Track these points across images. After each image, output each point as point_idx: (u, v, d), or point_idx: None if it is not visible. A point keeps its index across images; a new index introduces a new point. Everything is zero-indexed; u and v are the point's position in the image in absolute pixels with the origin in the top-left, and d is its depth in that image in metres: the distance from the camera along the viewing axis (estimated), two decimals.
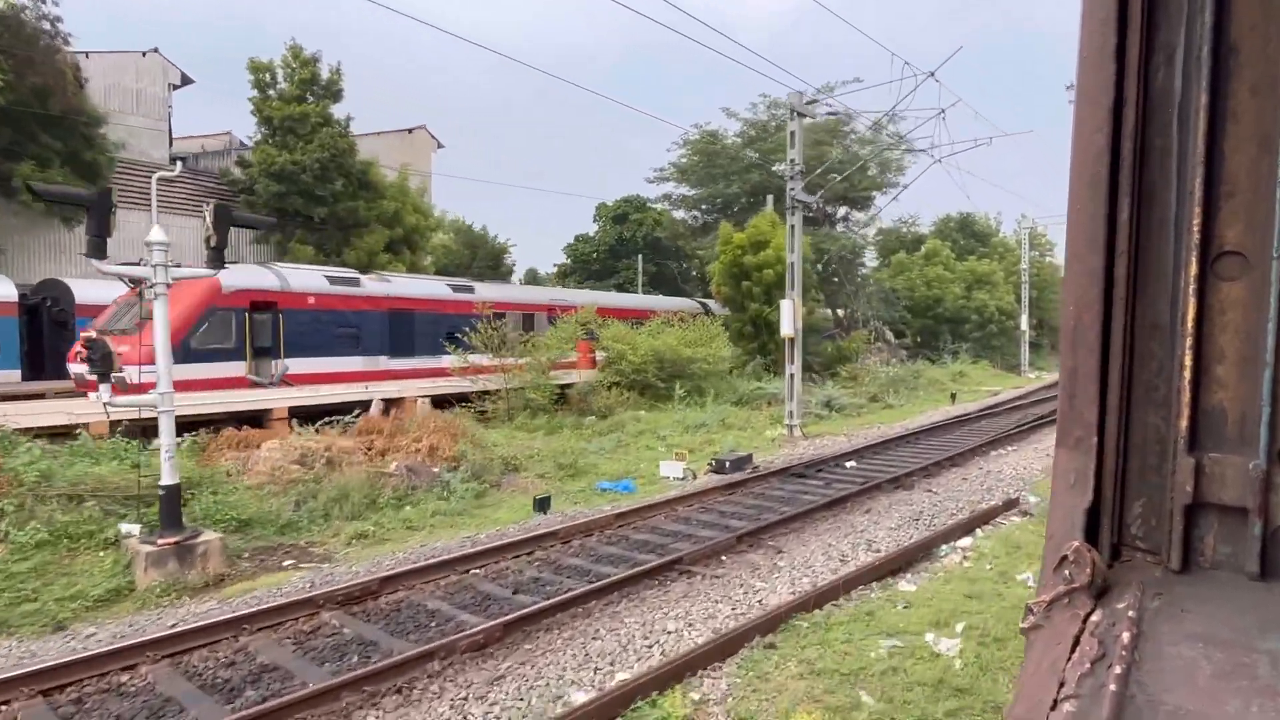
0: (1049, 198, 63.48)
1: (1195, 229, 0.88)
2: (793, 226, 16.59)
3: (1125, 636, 0.79)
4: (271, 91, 27.50)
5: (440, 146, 37.57)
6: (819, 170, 32.86)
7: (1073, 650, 0.81)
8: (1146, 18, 0.91)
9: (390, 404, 16.44)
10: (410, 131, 36.30)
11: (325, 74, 27.98)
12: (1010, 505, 10.31)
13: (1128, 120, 0.92)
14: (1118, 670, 0.74)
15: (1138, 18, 0.91)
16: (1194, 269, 0.88)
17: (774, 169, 32.41)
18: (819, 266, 30.92)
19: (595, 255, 48.81)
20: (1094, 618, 0.85)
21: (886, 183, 35.87)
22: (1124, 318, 0.94)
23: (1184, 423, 0.90)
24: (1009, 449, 15.38)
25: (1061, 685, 0.76)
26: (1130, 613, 0.84)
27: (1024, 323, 41.24)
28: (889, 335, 34.70)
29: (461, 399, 16.46)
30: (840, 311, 36.31)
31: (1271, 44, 0.85)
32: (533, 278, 49.48)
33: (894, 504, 10.39)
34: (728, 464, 12.50)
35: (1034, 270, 51.95)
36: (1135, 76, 0.91)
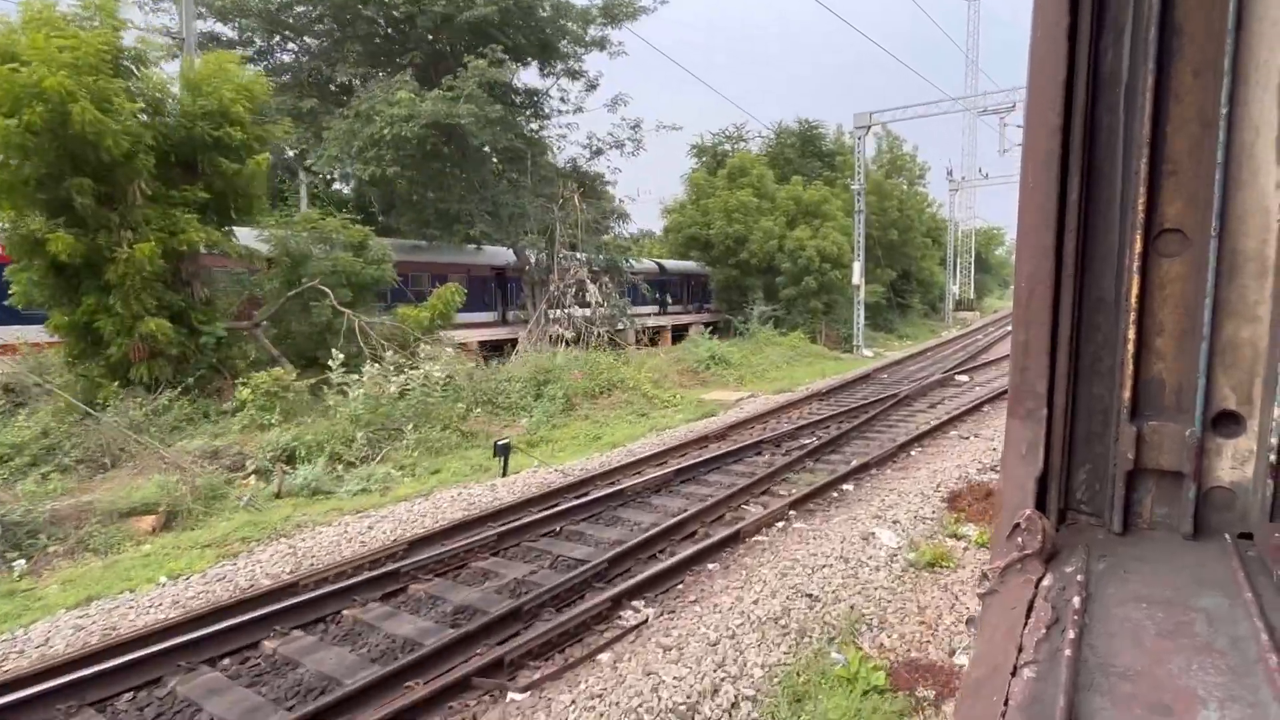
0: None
1: (1140, 207, 0.91)
2: None
3: (1075, 601, 0.82)
4: None
5: None
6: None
7: (1028, 615, 0.83)
8: None
9: None
10: None
11: None
12: None
13: (1078, 99, 0.94)
14: (1071, 635, 0.76)
15: None
16: (1139, 246, 0.91)
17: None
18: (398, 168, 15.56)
19: None
20: (1045, 582, 0.88)
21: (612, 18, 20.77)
22: (1072, 293, 0.97)
23: (1126, 393, 0.94)
24: None
25: (1020, 651, 0.78)
26: (1079, 576, 0.87)
27: (857, 273, 27.14)
28: (594, 293, 19.79)
29: None
30: (534, 255, 21.21)
31: (1214, 26, 0.87)
32: None
33: None
34: None
35: (894, 203, 38.16)
36: (1086, 55, 0.93)
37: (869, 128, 27.06)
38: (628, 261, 21.78)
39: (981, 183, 46.49)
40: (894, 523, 7.21)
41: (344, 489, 8.88)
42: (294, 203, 21.30)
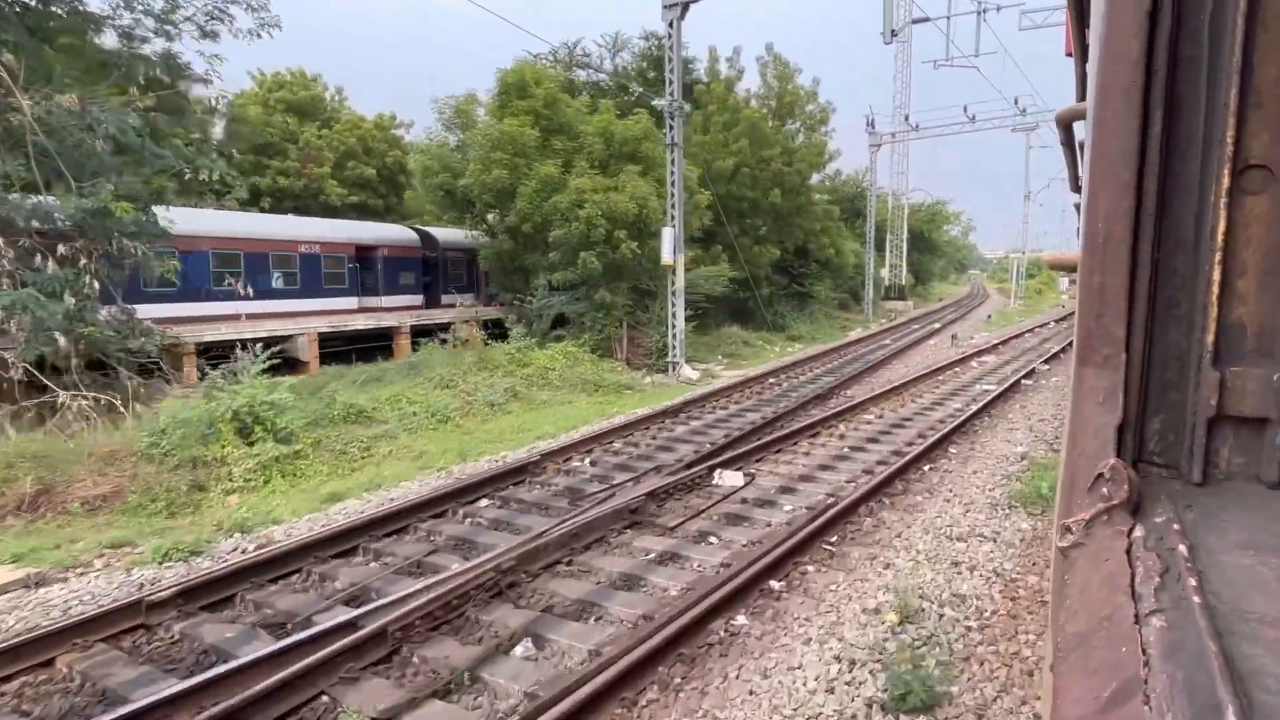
0: None
1: (1229, 141, 0.86)
2: None
3: (1182, 549, 0.78)
4: None
5: None
6: None
7: (1130, 566, 0.79)
8: None
9: None
10: None
11: None
12: None
13: (1163, 26, 0.88)
14: (1192, 582, 0.73)
15: None
16: (1225, 182, 0.87)
17: None
18: None
19: None
20: (1136, 533, 0.84)
21: None
22: (1153, 233, 0.92)
23: (1209, 337, 0.89)
24: None
25: (1137, 600, 0.74)
26: (1174, 526, 0.83)
27: (666, 246, 16.57)
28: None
29: None
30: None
31: None
32: None
33: None
34: None
35: (777, 152, 27.60)
36: None
37: (684, 4, 16.37)
38: (116, 216, 10.84)
39: (913, 136, 36.26)
40: None
41: None
42: None
